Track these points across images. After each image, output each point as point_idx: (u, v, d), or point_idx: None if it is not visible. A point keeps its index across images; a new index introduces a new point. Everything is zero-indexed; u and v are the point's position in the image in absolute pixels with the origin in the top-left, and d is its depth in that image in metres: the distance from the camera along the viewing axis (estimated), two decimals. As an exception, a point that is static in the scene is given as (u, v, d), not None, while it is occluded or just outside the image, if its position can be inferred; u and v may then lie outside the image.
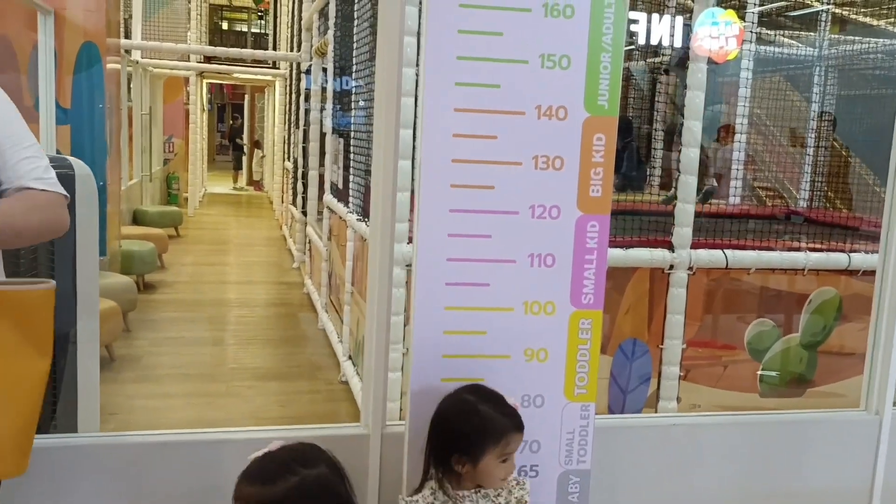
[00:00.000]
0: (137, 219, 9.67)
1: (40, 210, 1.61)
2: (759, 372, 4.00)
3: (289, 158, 11.03)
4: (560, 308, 1.82)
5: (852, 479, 2.51)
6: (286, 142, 11.88)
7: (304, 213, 8.24)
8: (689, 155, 3.77)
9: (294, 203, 9.45)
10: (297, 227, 8.80)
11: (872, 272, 3.58)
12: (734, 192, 7.85)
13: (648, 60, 9.10)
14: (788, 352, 4.05)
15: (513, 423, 1.65)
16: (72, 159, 2.22)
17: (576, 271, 1.82)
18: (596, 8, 1.74)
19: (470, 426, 1.62)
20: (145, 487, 1.93)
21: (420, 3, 1.80)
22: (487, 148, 1.74)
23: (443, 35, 1.70)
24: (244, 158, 19.08)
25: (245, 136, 19.97)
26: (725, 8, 4.69)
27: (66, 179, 2.07)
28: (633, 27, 7.42)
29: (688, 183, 3.77)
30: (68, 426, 2.16)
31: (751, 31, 7.80)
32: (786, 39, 9.36)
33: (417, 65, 3.15)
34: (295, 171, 9.52)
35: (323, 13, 7.11)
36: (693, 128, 3.76)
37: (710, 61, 9.25)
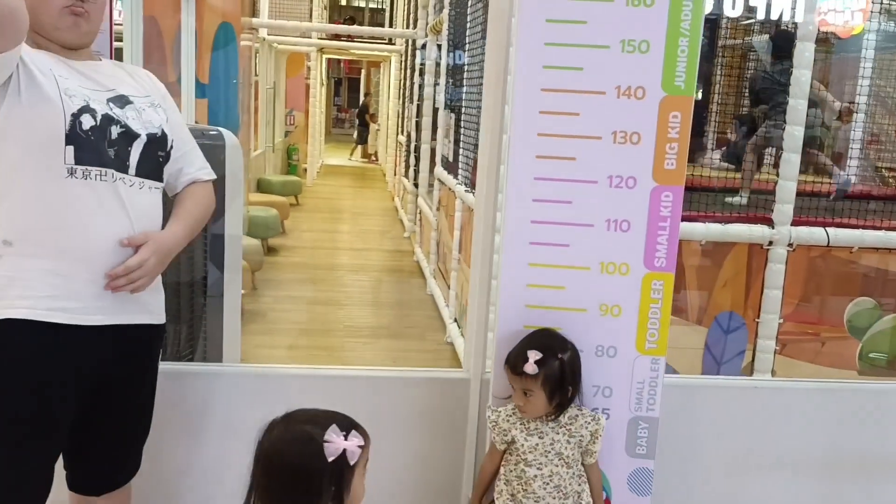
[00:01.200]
0: (261, 187, 10.32)
1: (210, 205, 1.96)
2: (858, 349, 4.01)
3: (402, 132, 11.43)
4: (634, 269, 2.02)
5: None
6: (400, 116, 12.28)
7: (416, 185, 8.60)
8: (794, 133, 3.79)
9: (406, 175, 9.83)
10: (409, 199, 9.18)
11: None
12: (854, 172, 7.60)
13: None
14: (891, 331, 4.03)
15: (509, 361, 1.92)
16: (223, 131, 2.55)
17: (650, 237, 2.00)
18: (675, -2, 1.90)
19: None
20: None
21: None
22: (570, 124, 1.96)
23: (533, 23, 1.92)
24: (366, 133, 19.71)
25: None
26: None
27: (217, 149, 2.43)
28: (751, 1, 7.28)
29: (790, 161, 3.80)
30: (216, 359, 2.53)
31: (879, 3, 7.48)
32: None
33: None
34: (408, 145, 9.90)
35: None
36: (798, 106, 3.78)
37: (834, 36, 8.90)
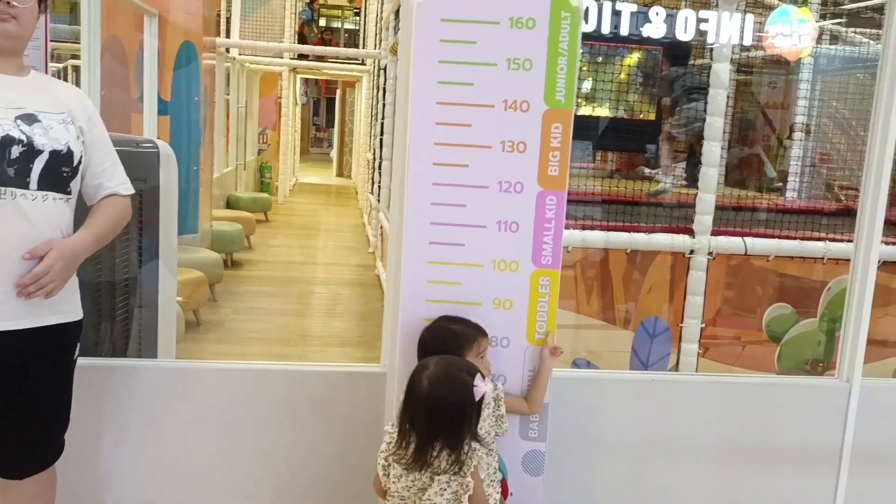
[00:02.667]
0: (231, 203, 10.49)
1: (123, 217, 2.12)
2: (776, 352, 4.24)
3: (370, 150, 11.65)
4: (523, 266, 2.22)
5: (822, 440, 2.79)
6: (369, 135, 12.52)
7: (379, 200, 8.80)
8: (712, 149, 4.05)
9: (371, 191, 10.04)
10: (374, 214, 9.38)
11: (891, 263, 3.82)
12: (801, 188, 7.90)
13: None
14: (807, 335, 4.27)
15: (479, 330, 2.10)
16: (158, 140, 2.75)
17: (536, 237, 2.21)
18: (554, 20, 2.13)
19: (447, 341, 2.06)
20: (205, 405, 2.46)
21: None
22: (463, 134, 2.17)
23: (429, 42, 2.14)
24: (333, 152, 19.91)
25: (336, 129, 20.83)
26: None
27: (152, 157, 2.62)
28: (703, 26, 7.59)
29: (709, 174, 4.06)
30: (149, 353, 2.70)
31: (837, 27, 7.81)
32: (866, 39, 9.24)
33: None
34: (373, 161, 10.11)
35: (398, 12, 7.62)
36: (715, 123, 4.04)
37: (783, 59, 9.27)
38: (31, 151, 1.90)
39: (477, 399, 1.84)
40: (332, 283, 7.79)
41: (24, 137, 1.89)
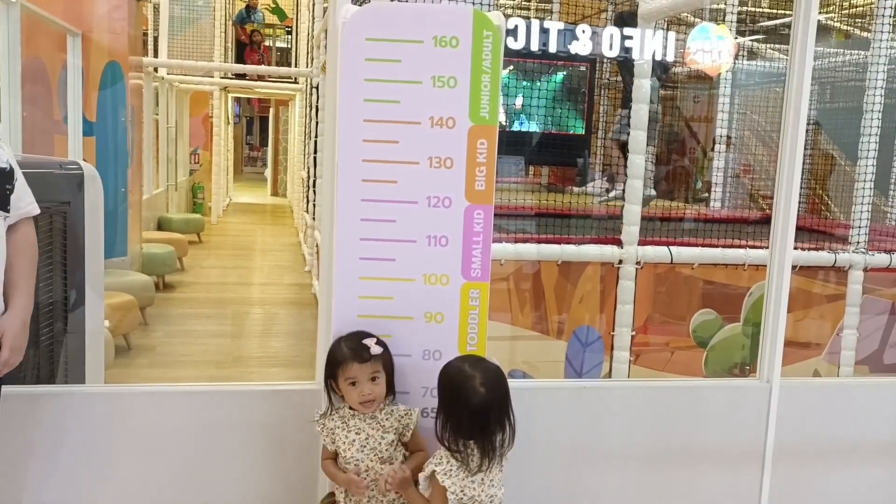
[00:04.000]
0: (162, 225, 10.27)
1: (35, 252, 2.07)
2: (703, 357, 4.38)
3: (304, 168, 11.59)
4: (453, 280, 2.26)
5: (746, 439, 2.90)
6: (304, 153, 12.45)
7: (314, 219, 8.76)
8: (636, 161, 4.19)
9: (307, 210, 9.98)
10: (309, 233, 9.32)
11: (808, 268, 3.98)
12: (725, 198, 8.19)
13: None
14: (732, 339, 4.43)
15: (351, 354, 2.12)
16: (82, 163, 2.71)
17: (465, 250, 2.26)
18: (476, 39, 2.19)
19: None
20: (135, 430, 2.42)
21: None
22: (391, 150, 2.20)
23: (355, 61, 2.17)
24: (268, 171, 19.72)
25: (270, 148, 20.64)
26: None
27: (76, 178, 2.57)
28: (628, 42, 7.82)
29: (634, 186, 4.19)
30: (77, 380, 2.64)
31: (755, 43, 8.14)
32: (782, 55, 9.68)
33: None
34: (307, 180, 10.06)
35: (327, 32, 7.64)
36: (638, 137, 4.18)
37: (705, 74, 9.60)
38: None
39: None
40: (268, 303, 7.70)
41: None
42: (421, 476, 2.05)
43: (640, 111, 4.11)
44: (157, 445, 2.44)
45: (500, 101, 2.23)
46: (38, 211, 2.10)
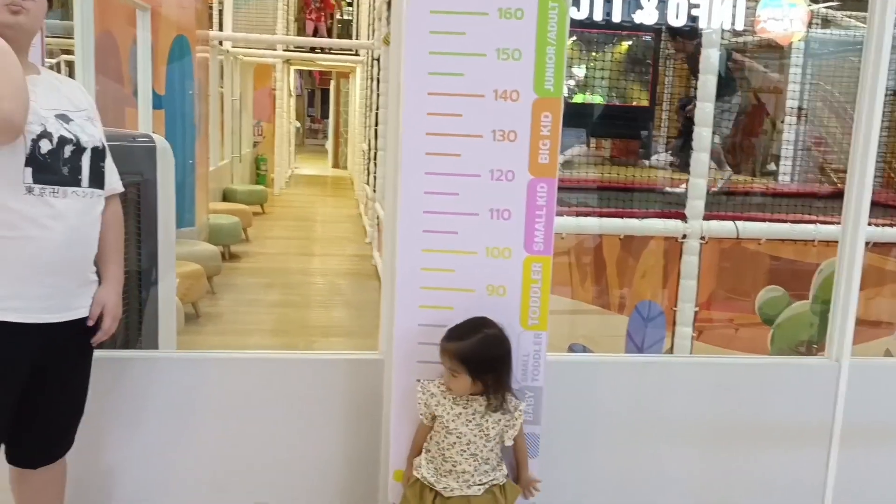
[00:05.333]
0: (227, 197, 10.51)
1: (122, 226, 2.19)
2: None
3: (365, 140, 11.67)
4: (516, 253, 2.26)
5: (813, 419, 2.84)
6: (365, 125, 12.53)
7: (375, 191, 8.84)
8: (702, 134, 4.09)
9: (367, 182, 10.07)
10: (370, 205, 9.41)
11: (881, 244, 3.86)
12: (795, 171, 7.94)
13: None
14: (800, 317, 4.32)
15: (448, 343, 2.12)
16: (155, 136, 2.78)
17: (528, 224, 2.25)
18: (542, 10, 2.16)
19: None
20: (207, 395, 2.51)
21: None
22: (455, 124, 2.21)
23: (419, 34, 2.17)
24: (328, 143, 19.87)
25: (331, 120, 20.83)
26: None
27: (149, 151, 2.66)
28: (694, 11, 7.61)
29: (700, 159, 4.10)
30: (151, 346, 2.75)
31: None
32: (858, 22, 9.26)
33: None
34: (368, 152, 10.14)
35: (391, 3, 7.63)
36: (705, 108, 4.08)
37: (775, 43, 9.26)
38: (79, 149, 1.95)
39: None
40: (330, 273, 7.83)
41: (72, 136, 1.94)
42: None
43: (708, 82, 4.00)
44: (227, 410, 2.53)
45: (564, 73, 2.20)
46: (121, 188, 2.18)
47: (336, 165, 19.85)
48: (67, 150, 1.93)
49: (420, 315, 2.26)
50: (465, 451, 2.11)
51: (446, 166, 2.22)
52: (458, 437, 2.10)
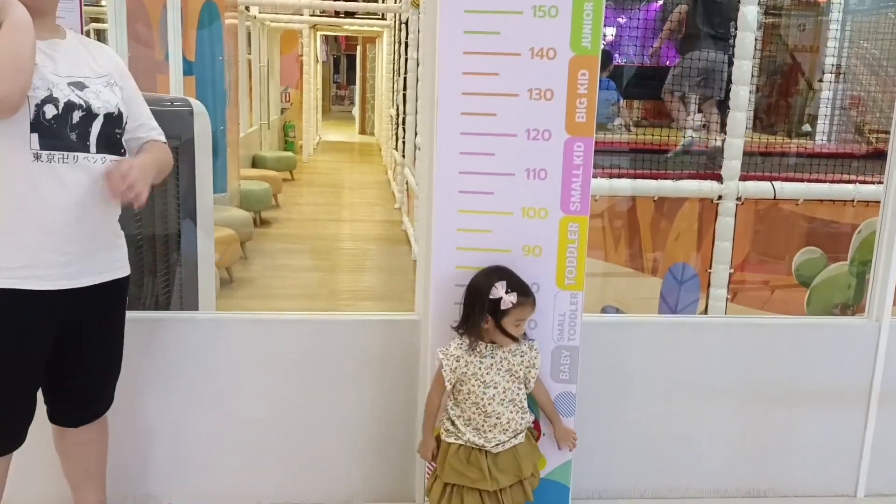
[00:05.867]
0: (256, 163, 10.55)
1: (169, 160, 2.19)
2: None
3: (393, 106, 11.62)
4: (552, 213, 2.26)
5: (851, 380, 2.82)
6: (392, 91, 12.46)
7: (404, 156, 8.82)
8: (739, 92, 4.01)
9: (396, 147, 10.05)
10: (398, 170, 9.41)
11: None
12: (831, 132, 7.77)
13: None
14: (837, 278, 4.27)
15: (528, 297, 2.13)
16: (191, 99, 2.78)
17: (565, 184, 2.24)
18: (579, -34, 2.12)
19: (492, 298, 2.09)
20: (246, 356, 2.55)
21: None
22: (491, 83, 2.19)
23: (454, -7, 2.15)
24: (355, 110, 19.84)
25: (357, 86, 20.75)
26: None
27: (185, 115, 2.67)
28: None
29: (737, 119, 4.03)
30: (191, 308, 2.78)
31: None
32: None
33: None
34: (396, 118, 10.10)
35: (419, -35, 7.53)
36: (743, 67, 3.99)
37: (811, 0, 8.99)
38: (89, 115, 1.95)
39: (491, 297, 2.08)
40: (360, 239, 7.86)
41: (82, 102, 1.94)
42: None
43: (746, 39, 3.91)
44: (266, 372, 2.57)
45: (602, 30, 2.17)
46: (164, 140, 2.19)
47: (363, 132, 19.82)
48: (76, 115, 1.92)
49: (457, 275, 2.27)
50: (504, 400, 2.13)
51: (482, 126, 2.21)
52: (495, 387, 2.12)
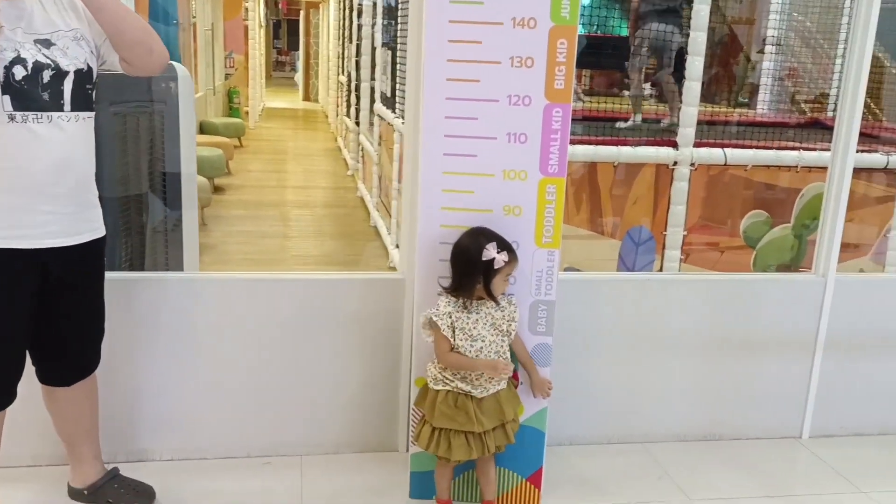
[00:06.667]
0: (205, 129, 10.38)
1: (150, 33, 2.09)
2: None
3: (343, 73, 11.55)
4: (531, 175, 2.38)
5: (800, 330, 3.04)
6: (340, 57, 12.37)
7: (357, 123, 8.83)
8: (695, 63, 4.20)
9: (348, 114, 10.03)
10: (351, 137, 9.41)
11: (862, 169, 4.03)
12: (769, 102, 8.08)
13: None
14: (781, 240, 4.53)
15: (514, 254, 2.27)
16: (174, 63, 2.76)
17: (544, 147, 2.37)
18: (560, -62, 2.23)
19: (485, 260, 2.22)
20: (228, 312, 2.62)
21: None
22: (474, 50, 2.29)
23: (440, -37, 2.23)
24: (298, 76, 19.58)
25: (301, 52, 20.46)
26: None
27: (170, 78, 2.66)
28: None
29: (692, 88, 4.21)
30: (177, 268, 2.83)
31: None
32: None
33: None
34: (349, 84, 10.07)
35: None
36: (698, 38, 4.17)
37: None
38: (59, 74, 1.96)
39: (483, 259, 2.21)
40: (316, 205, 7.90)
41: (50, 62, 1.95)
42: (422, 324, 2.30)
43: (701, 12, 4.08)
44: (251, 331, 2.64)
45: (580, 1, 2.29)
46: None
47: (307, 98, 19.59)
48: (46, 75, 1.93)
49: (441, 234, 2.39)
50: (491, 352, 2.27)
51: (466, 91, 2.32)
52: (482, 340, 2.26)
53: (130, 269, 2.71)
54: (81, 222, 2.09)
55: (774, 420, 3.09)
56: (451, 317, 2.26)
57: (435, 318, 2.26)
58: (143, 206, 2.72)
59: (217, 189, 7.91)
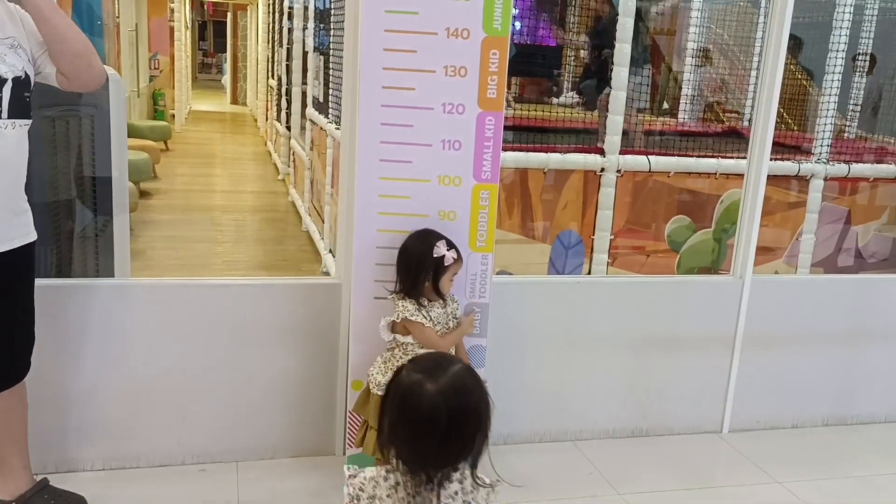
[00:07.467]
0: (131, 132, 10.11)
1: (86, 43, 2.07)
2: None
3: (272, 76, 11.43)
4: (465, 181, 2.45)
5: (719, 328, 3.20)
6: (269, 60, 12.24)
7: (288, 128, 8.76)
8: (620, 73, 4.34)
9: (278, 119, 9.94)
10: (282, 141, 9.33)
11: (775, 177, 4.24)
12: (690, 111, 8.39)
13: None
14: (702, 244, 4.73)
15: (459, 254, 2.32)
16: (106, 67, 2.74)
17: (477, 154, 2.44)
18: (492, -48, 2.30)
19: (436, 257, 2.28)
20: (162, 318, 2.60)
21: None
22: (410, 59, 2.34)
23: (376, -27, 2.27)
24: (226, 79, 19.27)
25: (228, 54, 20.14)
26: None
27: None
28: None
29: (617, 97, 4.36)
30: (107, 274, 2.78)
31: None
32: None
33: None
34: (279, 88, 9.98)
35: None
36: (623, 49, 4.32)
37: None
38: None
39: (434, 255, 2.28)
40: (246, 210, 7.80)
41: None
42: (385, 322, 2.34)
43: (626, 24, 4.23)
44: (184, 337, 2.62)
45: (511, 13, 2.36)
46: None
47: (235, 101, 19.27)
48: None
49: (378, 238, 2.43)
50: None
51: (402, 99, 2.37)
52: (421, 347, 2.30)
53: (59, 276, 2.65)
54: (13, 227, 2.06)
55: (696, 416, 3.23)
56: (419, 311, 2.30)
57: (412, 318, 2.30)
58: (73, 211, 2.66)
59: (143, 194, 7.72)
